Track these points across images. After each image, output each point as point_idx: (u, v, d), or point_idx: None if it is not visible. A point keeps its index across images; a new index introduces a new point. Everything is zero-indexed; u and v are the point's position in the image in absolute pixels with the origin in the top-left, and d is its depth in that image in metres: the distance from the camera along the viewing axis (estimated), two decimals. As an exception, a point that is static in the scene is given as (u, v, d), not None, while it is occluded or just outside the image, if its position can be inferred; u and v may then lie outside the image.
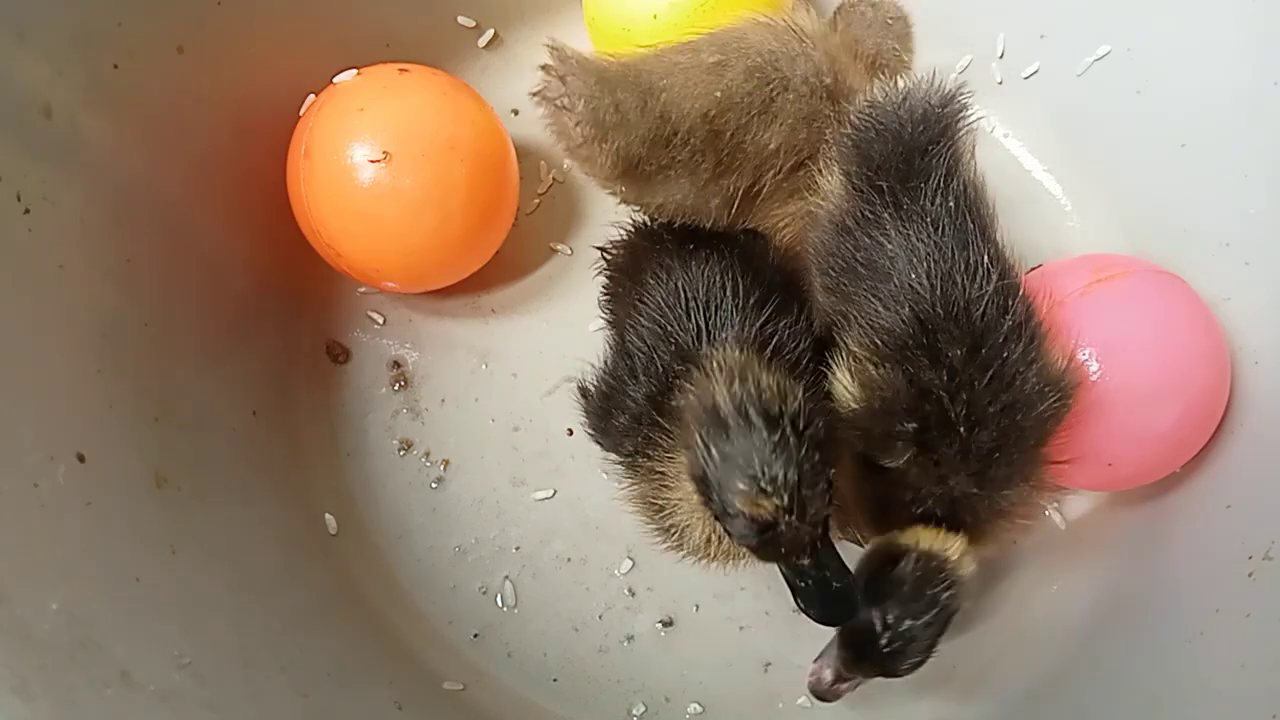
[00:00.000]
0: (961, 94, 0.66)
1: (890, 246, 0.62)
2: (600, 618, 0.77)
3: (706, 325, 0.63)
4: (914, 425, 0.60)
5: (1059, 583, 0.76)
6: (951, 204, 0.62)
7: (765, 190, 0.69)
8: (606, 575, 0.77)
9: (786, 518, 0.51)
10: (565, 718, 0.75)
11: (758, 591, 0.77)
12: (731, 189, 0.68)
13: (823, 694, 0.64)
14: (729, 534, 0.55)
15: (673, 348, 0.63)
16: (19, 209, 0.59)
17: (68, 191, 0.63)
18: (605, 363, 0.68)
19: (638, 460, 0.63)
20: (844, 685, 0.63)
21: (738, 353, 0.58)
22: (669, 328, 0.64)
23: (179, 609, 0.61)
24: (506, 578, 0.77)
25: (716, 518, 0.55)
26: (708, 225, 0.71)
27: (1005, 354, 0.59)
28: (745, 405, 0.53)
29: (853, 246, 0.64)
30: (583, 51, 0.67)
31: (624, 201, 0.72)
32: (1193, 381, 0.68)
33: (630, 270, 0.72)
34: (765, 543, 0.53)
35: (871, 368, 0.61)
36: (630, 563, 0.77)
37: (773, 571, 0.76)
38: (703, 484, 0.54)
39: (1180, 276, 0.72)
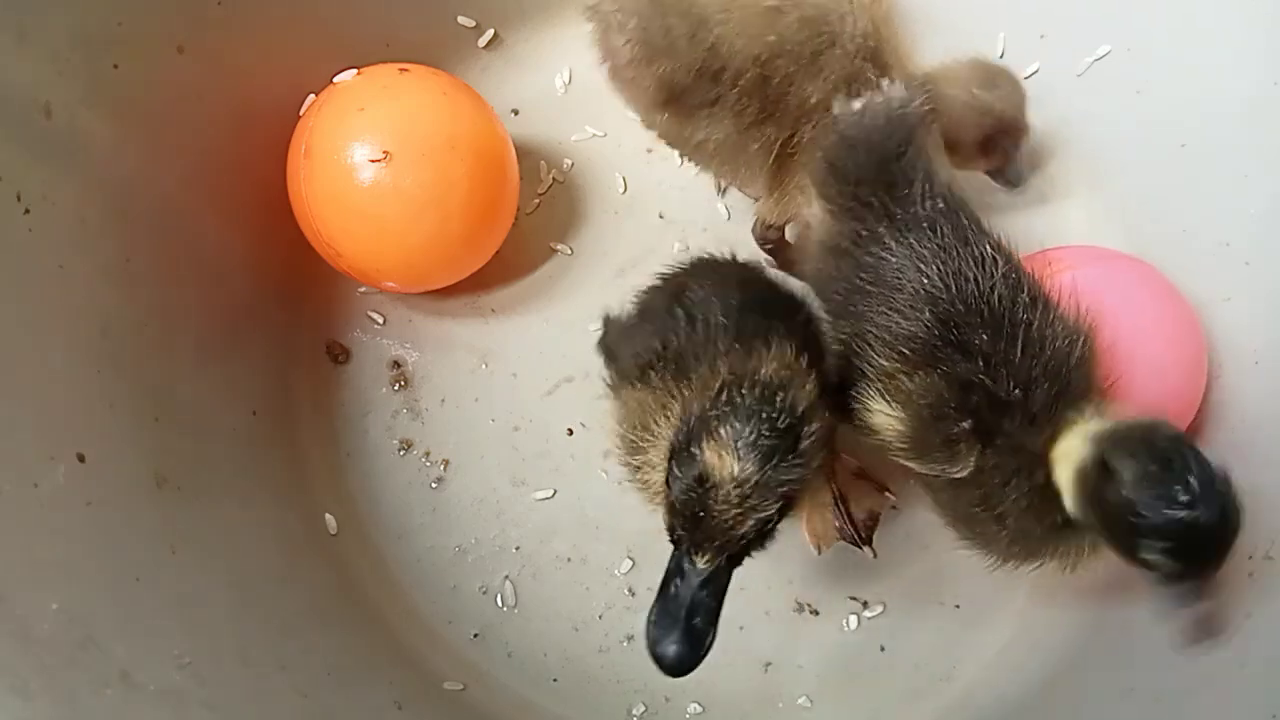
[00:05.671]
0: (919, 94, 0.65)
1: (895, 259, 0.63)
2: (600, 618, 0.77)
3: (731, 323, 0.63)
4: (968, 422, 0.60)
5: (1059, 583, 0.76)
6: (941, 205, 0.63)
7: (800, 145, 0.69)
8: (606, 575, 0.77)
9: (736, 490, 0.50)
10: (565, 718, 0.75)
11: (758, 591, 0.77)
12: (772, 138, 0.69)
13: None
14: (673, 469, 0.53)
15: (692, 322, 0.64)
16: (19, 209, 0.59)
17: (68, 191, 0.63)
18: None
19: (641, 376, 0.62)
20: None
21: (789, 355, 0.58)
22: (693, 313, 0.64)
23: (179, 609, 0.61)
24: (506, 578, 0.77)
25: (674, 446, 0.54)
26: (745, 170, 0.71)
27: (1030, 322, 0.60)
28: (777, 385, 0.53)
29: (854, 266, 0.64)
30: None
31: (664, 137, 0.72)
32: (1165, 358, 0.68)
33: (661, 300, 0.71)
34: (695, 500, 0.50)
35: (905, 379, 0.61)
36: (630, 563, 0.77)
37: (773, 572, 0.76)
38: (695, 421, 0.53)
39: (1133, 256, 0.74)
